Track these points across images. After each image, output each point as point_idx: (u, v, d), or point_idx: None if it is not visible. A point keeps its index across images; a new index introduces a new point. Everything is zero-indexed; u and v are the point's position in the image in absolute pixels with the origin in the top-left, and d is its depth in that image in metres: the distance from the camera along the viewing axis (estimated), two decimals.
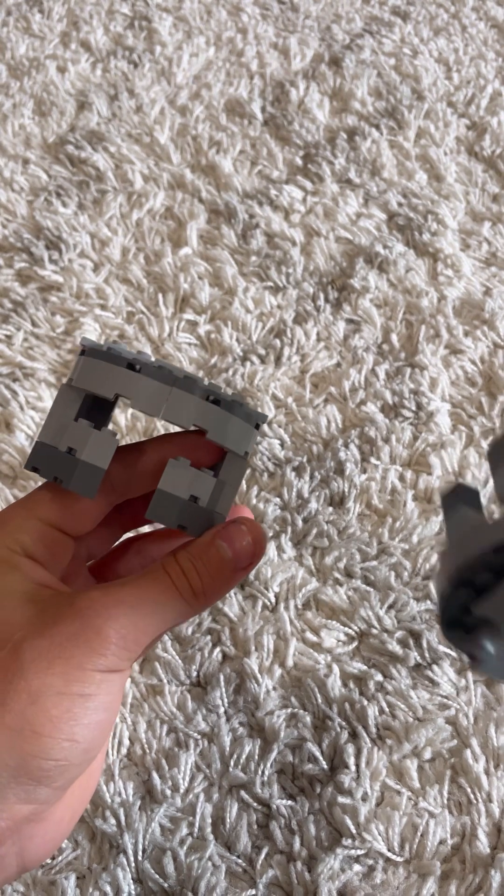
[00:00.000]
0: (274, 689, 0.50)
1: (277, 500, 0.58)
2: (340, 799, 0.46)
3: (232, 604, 0.53)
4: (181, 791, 0.47)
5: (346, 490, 0.59)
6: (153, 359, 0.31)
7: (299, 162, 0.83)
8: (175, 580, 0.29)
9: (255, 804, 0.46)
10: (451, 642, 0.28)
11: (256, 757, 0.48)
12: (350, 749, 0.48)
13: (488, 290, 0.72)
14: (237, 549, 0.30)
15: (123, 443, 0.32)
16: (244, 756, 0.48)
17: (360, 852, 0.45)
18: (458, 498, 0.28)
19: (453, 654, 0.52)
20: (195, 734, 0.49)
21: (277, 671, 0.51)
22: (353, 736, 0.49)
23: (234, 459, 0.32)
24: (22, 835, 0.28)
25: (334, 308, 0.71)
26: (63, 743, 0.27)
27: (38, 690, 0.27)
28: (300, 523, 0.57)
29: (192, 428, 0.30)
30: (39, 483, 0.59)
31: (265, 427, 0.63)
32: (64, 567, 0.32)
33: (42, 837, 0.29)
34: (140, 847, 0.45)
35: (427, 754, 0.48)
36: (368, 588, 0.54)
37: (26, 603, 0.29)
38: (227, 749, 0.48)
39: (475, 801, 0.46)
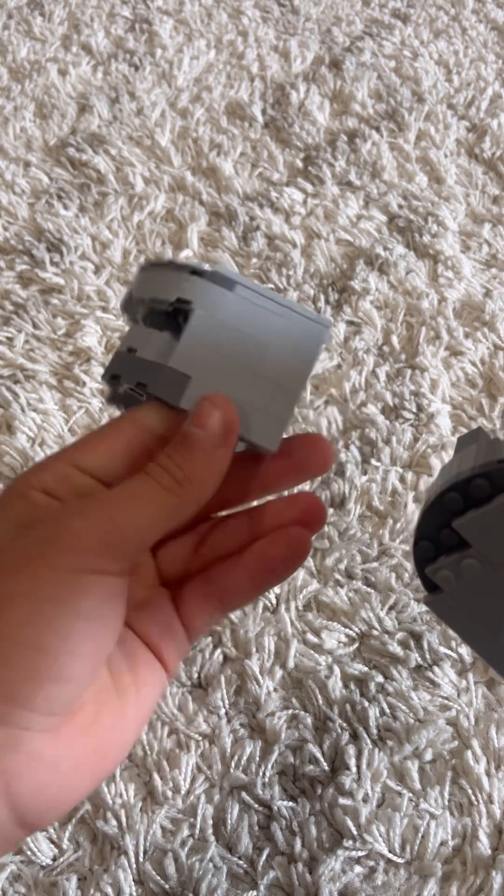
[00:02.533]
0: (275, 690, 0.50)
1: None
2: (341, 800, 0.46)
3: None
4: (182, 792, 0.47)
5: (347, 491, 0.59)
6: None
7: (300, 164, 0.83)
8: (155, 475, 0.28)
9: (256, 805, 0.46)
10: (416, 562, 0.27)
11: (257, 758, 0.48)
12: (351, 750, 0.48)
13: (488, 292, 0.72)
14: (208, 426, 0.28)
15: None
16: (245, 757, 0.48)
17: (361, 854, 0.45)
18: (474, 438, 0.27)
19: (454, 655, 0.52)
20: (196, 735, 0.49)
21: (278, 672, 0.51)
22: (354, 737, 0.49)
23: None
24: (5, 767, 0.25)
25: (335, 310, 0.71)
26: (26, 651, 0.25)
27: (4, 594, 0.25)
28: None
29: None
30: None
31: None
32: None
33: (33, 778, 0.26)
34: (141, 848, 0.45)
35: (428, 755, 0.48)
36: (369, 589, 0.54)
37: (19, 527, 0.27)
38: (228, 750, 0.48)
39: (476, 803, 0.46)
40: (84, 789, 0.28)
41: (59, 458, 0.29)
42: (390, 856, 0.45)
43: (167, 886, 0.44)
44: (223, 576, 0.32)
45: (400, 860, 0.45)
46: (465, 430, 0.63)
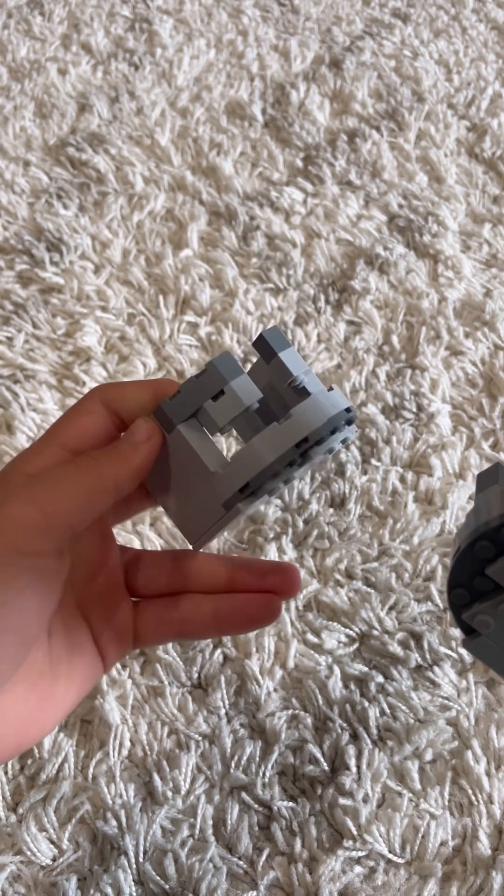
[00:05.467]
0: (275, 690, 0.50)
1: (278, 501, 0.58)
2: (341, 800, 0.46)
3: None
4: (182, 793, 0.47)
5: (347, 491, 0.59)
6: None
7: (300, 164, 0.83)
8: (78, 461, 0.31)
9: (256, 806, 0.46)
10: (452, 608, 0.28)
11: (257, 758, 0.48)
12: (351, 750, 0.48)
13: (489, 292, 0.72)
14: (133, 431, 0.32)
15: None
16: (245, 758, 0.48)
17: (361, 854, 0.45)
18: (494, 477, 0.28)
19: (454, 655, 0.52)
20: (196, 736, 0.49)
21: (278, 673, 0.51)
22: (354, 737, 0.49)
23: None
24: None
25: (335, 309, 0.71)
26: None
27: None
28: (301, 525, 0.57)
29: None
30: None
31: None
32: None
33: None
34: (141, 849, 0.45)
35: (428, 756, 0.48)
36: (369, 589, 0.54)
37: None
38: (228, 751, 0.48)
39: (476, 803, 0.46)
40: (20, 738, 0.31)
41: (49, 442, 0.32)
42: (390, 856, 0.45)
43: (167, 887, 0.44)
44: (192, 608, 0.35)
45: (400, 860, 0.45)
46: (465, 430, 0.63)
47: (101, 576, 0.35)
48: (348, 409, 0.32)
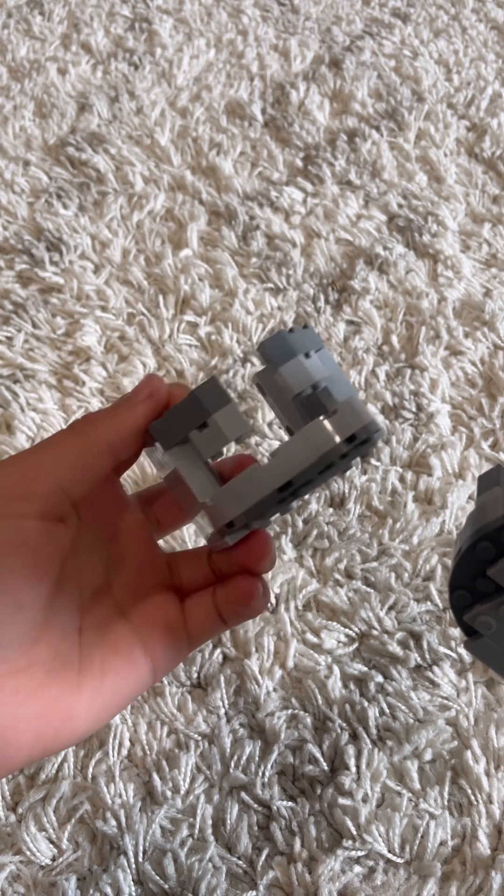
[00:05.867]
0: (274, 690, 0.50)
1: None
2: (341, 800, 0.46)
3: None
4: (182, 792, 0.47)
5: (347, 491, 0.59)
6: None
7: (300, 163, 0.83)
8: (73, 422, 0.30)
9: (255, 805, 0.46)
10: (454, 610, 0.28)
11: (257, 758, 0.48)
12: (350, 750, 0.48)
13: (488, 292, 0.72)
14: (135, 391, 0.31)
15: None
16: (245, 757, 0.48)
17: (360, 854, 0.45)
18: (495, 479, 0.28)
19: (454, 655, 0.52)
20: (196, 735, 0.49)
21: (278, 672, 0.51)
22: (354, 737, 0.49)
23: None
24: None
25: (334, 309, 0.71)
26: None
27: None
28: (300, 524, 0.57)
29: None
30: None
31: (265, 428, 0.63)
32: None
33: None
34: (141, 848, 0.45)
35: (427, 755, 0.48)
36: (369, 589, 0.54)
37: None
38: (228, 750, 0.48)
39: (476, 803, 0.46)
40: (22, 753, 0.29)
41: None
42: (390, 856, 0.45)
43: (166, 886, 0.44)
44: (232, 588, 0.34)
45: (399, 860, 0.45)
46: (464, 430, 0.63)
47: (145, 577, 0.34)
48: (350, 439, 0.29)
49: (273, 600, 0.54)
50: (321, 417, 0.29)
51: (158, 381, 0.32)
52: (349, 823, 0.45)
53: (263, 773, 0.47)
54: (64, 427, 0.34)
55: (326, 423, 0.29)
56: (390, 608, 0.54)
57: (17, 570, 0.28)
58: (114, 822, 0.46)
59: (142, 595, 0.34)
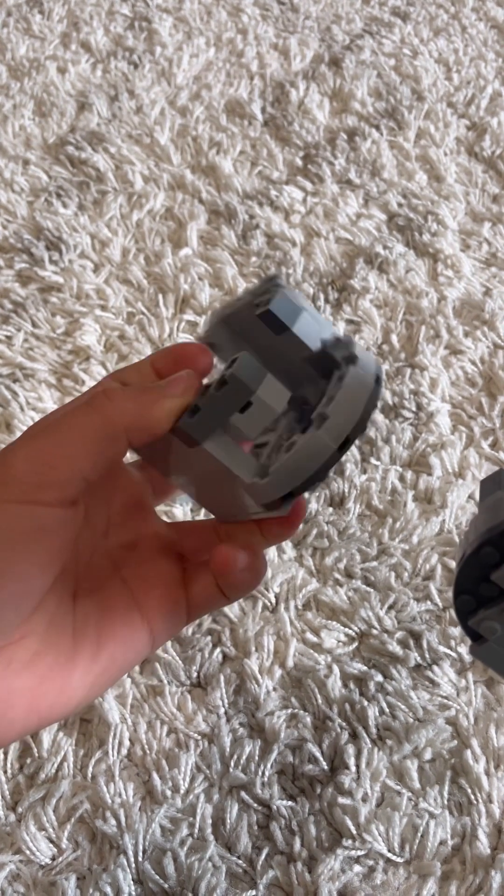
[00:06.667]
0: (274, 689, 0.50)
1: None
2: (341, 800, 0.46)
3: (232, 605, 0.53)
4: (181, 792, 0.47)
5: (346, 490, 0.59)
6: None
7: (299, 162, 0.83)
8: (95, 403, 0.29)
9: (255, 805, 0.46)
10: (458, 615, 0.28)
11: (257, 758, 0.48)
12: (350, 750, 0.48)
13: (488, 291, 0.72)
14: (171, 380, 0.30)
15: None
16: (244, 757, 0.48)
17: (360, 853, 0.45)
18: (497, 484, 0.28)
19: (454, 654, 0.52)
20: (195, 735, 0.49)
21: (278, 672, 0.51)
22: (354, 736, 0.49)
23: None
24: None
25: (334, 308, 0.71)
26: None
27: None
28: (300, 524, 0.57)
29: None
30: None
31: None
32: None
33: None
34: (140, 848, 0.45)
35: (427, 755, 0.48)
36: (368, 589, 0.54)
37: None
38: (228, 750, 0.48)
39: (475, 802, 0.46)
40: (17, 724, 0.28)
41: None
42: (389, 855, 0.45)
43: (166, 886, 0.44)
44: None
45: (399, 859, 0.45)
46: (464, 429, 0.63)
47: (144, 543, 0.33)
48: (377, 380, 0.28)
49: (272, 599, 0.54)
50: (348, 367, 0.28)
51: (195, 379, 0.30)
52: (349, 823, 0.45)
53: (263, 773, 0.47)
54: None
55: (360, 370, 0.28)
56: (390, 607, 0.54)
57: (32, 559, 0.28)
58: (113, 822, 0.46)
59: (141, 560, 0.33)
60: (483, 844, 0.45)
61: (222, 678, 0.50)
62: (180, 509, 0.57)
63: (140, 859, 0.44)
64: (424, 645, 0.52)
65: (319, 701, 0.50)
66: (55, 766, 0.47)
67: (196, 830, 0.46)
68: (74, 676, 0.30)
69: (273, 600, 0.54)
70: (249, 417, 0.29)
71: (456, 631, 0.53)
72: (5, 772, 0.47)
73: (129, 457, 0.32)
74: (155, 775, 0.47)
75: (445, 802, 0.47)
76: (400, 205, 0.79)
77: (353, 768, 0.47)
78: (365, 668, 0.51)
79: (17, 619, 0.28)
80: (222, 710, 0.49)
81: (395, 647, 0.52)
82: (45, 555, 0.28)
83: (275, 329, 0.29)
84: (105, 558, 0.33)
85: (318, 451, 0.28)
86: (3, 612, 0.27)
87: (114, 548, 0.33)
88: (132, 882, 0.44)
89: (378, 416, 0.63)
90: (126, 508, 0.34)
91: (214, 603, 0.33)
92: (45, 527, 0.28)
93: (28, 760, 0.47)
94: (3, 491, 0.27)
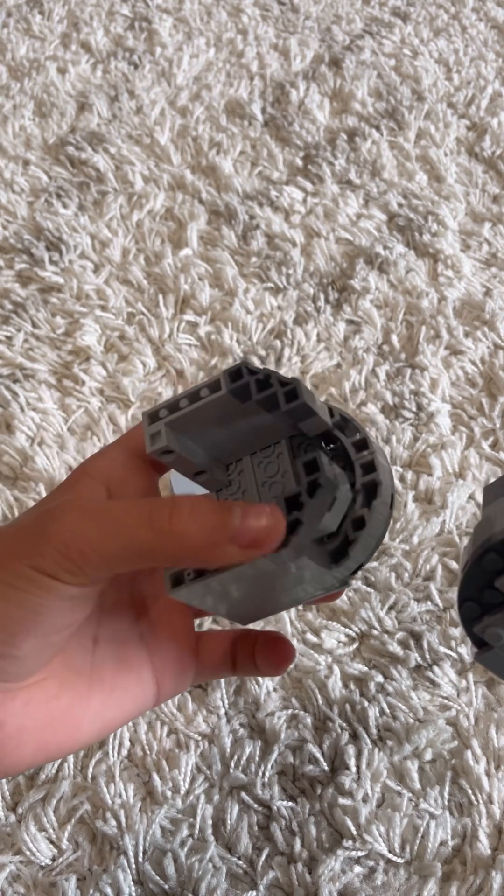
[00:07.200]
0: (274, 690, 0.50)
1: None
2: (341, 800, 0.46)
3: None
4: (182, 792, 0.47)
5: None
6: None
7: (299, 163, 0.83)
8: (151, 509, 0.26)
9: (255, 805, 0.46)
10: (463, 622, 0.28)
11: (257, 758, 0.48)
12: (351, 750, 0.48)
13: (489, 291, 0.72)
14: (247, 523, 0.26)
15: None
16: (245, 757, 0.48)
17: (360, 854, 0.45)
18: (501, 488, 0.28)
19: (454, 654, 0.52)
20: (196, 735, 0.49)
21: None
22: (354, 737, 0.48)
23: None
24: None
25: (334, 309, 0.71)
26: None
27: None
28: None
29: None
30: (39, 485, 0.59)
31: None
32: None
33: None
34: (141, 848, 0.45)
35: (428, 755, 0.48)
36: (369, 589, 0.54)
37: None
38: (228, 750, 0.48)
39: (476, 803, 0.46)
40: (23, 760, 0.29)
41: (118, 445, 0.32)
42: (390, 856, 0.45)
43: (166, 886, 0.44)
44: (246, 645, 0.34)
45: (400, 860, 0.45)
46: (464, 430, 0.63)
47: (164, 596, 0.33)
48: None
49: None
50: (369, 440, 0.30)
51: (278, 532, 0.27)
52: (349, 823, 0.45)
53: (263, 773, 0.47)
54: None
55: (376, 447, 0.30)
56: (390, 608, 0.54)
57: (55, 623, 0.28)
58: (114, 822, 0.46)
59: (160, 615, 0.33)
60: (483, 845, 0.45)
61: (222, 678, 0.50)
62: None
63: (140, 860, 0.44)
64: (425, 645, 0.52)
65: (320, 701, 0.50)
66: (55, 766, 0.47)
67: (196, 831, 0.46)
68: (85, 720, 0.30)
69: None
70: (334, 511, 0.28)
71: (456, 631, 0.53)
72: None
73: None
74: (155, 776, 0.47)
75: (446, 803, 0.47)
76: (400, 205, 0.79)
77: (354, 769, 0.47)
78: (365, 668, 0.51)
79: (37, 667, 0.29)
80: (223, 711, 0.49)
81: (395, 648, 0.51)
82: (65, 619, 0.28)
83: (300, 415, 0.29)
84: (127, 607, 0.33)
85: (384, 520, 0.29)
86: (27, 661, 0.28)
87: (137, 598, 0.34)
88: (132, 883, 0.44)
89: (378, 417, 0.63)
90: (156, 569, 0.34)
91: (222, 674, 0.35)
92: (69, 599, 0.27)
93: None
94: (36, 560, 0.26)
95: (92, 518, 0.26)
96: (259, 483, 0.31)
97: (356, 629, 0.53)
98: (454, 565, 0.55)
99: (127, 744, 0.48)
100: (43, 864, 0.45)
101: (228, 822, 0.46)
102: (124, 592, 0.33)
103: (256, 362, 0.67)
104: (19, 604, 0.27)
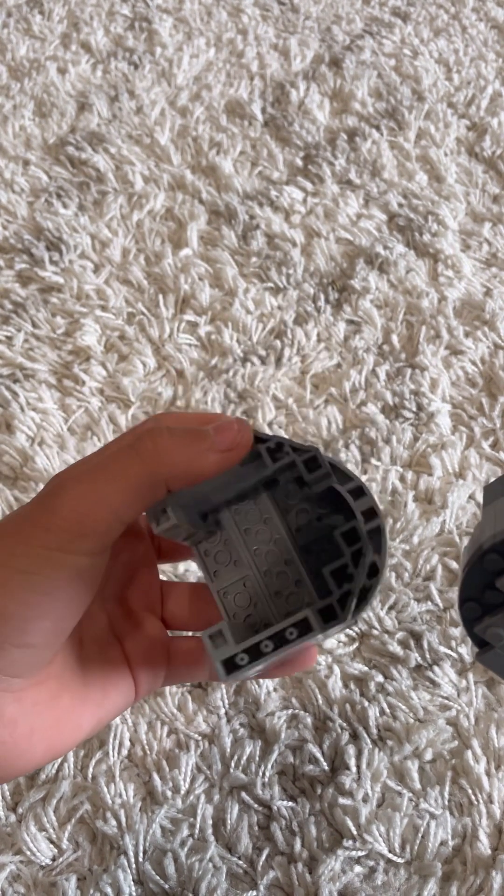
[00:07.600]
0: (274, 690, 0.50)
1: None
2: (341, 800, 0.46)
3: None
4: (182, 792, 0.47)
5: None
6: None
7: (300, 163, 0.83)
8: (134, 442, 0.28)
9: (255, 805, 0.46)
10: (464, 622, 0.28)
11: (257, 758, 0.48)
12: (351, 750, 0.48)
13: (489, 291, 0.72)
14: (221, 433, 0.29)
15: None
16: (245, 757, 0.48)
17: (361, 853, 0.45)
18: (501, 488, 0.28)
19: (454, 654, 0.52)
20: (196, 735, 0.49)
21: None
22: (354, 737, 0.48)
23: None
24: None
25: (335, 309, 0.71)
26: None
27: None
28: None
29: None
30: (39, 485, 0.59)
31: (266, 427, 0.63)
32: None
33: None
34: (141, 848, 0.45)
35: (428, 755, 0.48)
36: None
37: None
38: (228, 750, 0.48)
39: (476, 803, 0.46)
40: (33, 760, 0.30)
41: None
42: (390, 856, 0.45)
43: (167, 886, 0.44)
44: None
45: (400, 860, 0.45)
46: (464, 430, 0.63)
47: (141, 598, 0.34)
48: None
49: None
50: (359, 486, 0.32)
51: (246, 433, 0.30)
52: (349, 823, 0.45)
53: (264, 773, 0.47)
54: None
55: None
56: (390, 608, 0.54)
57: (67, 602, 0.28)
58: (114, 822, 0.46)
59: (134, 616, 0.34)
60: (484, 845, 0.45)
61: (200, 681, 0.50)
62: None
63: (140, 860, 0.44)
64: (425, 645, 0.52)
65: (320, 701, 0.50)
66: (55, 766, 0.47)
67: (196, 831, 0.46)
68: (84, 718, 0.31)
69: None
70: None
71: (456, 631, 0.53)
72: None
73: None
74: (155, 776, 0.47)
75: (446, 803, 0.47)
76: (400, 205, 0.79)
77: (354, 769, 0.47)
78: (365, 668, 0.51)
79: (49, 656, 0.29)
80: (223, 711, 0.49)
81: (395, 648, 0.51)
82: (77, 598, 0.29)
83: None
84: (104, 609, 0.34)
85: (386, 557, 0.31)
86: (40, 650, 0.29)
87: (111, 599, 0.34)
88: (132, 883, 0.44)
89: (378, 417, 0.63)
90: (130, 562, 0.35)
91: (193, 678, 0.35)
92: (81, 574, 0.28)
93: None
94: (45, 538, 0.27)
95: (88, 479, 0.28)
96: (241, 529, 0.32)
97: (356, 629, 0.53)
98: (454, 565, 0.55)
99: (127, 744, 0.48)
100: (43, 863, 0.45)
101: (229, 821, 0.46)
102: (105, 591, 0.34)
103: (256, 362, 0.67)
104: (33, 588, 0.27)
